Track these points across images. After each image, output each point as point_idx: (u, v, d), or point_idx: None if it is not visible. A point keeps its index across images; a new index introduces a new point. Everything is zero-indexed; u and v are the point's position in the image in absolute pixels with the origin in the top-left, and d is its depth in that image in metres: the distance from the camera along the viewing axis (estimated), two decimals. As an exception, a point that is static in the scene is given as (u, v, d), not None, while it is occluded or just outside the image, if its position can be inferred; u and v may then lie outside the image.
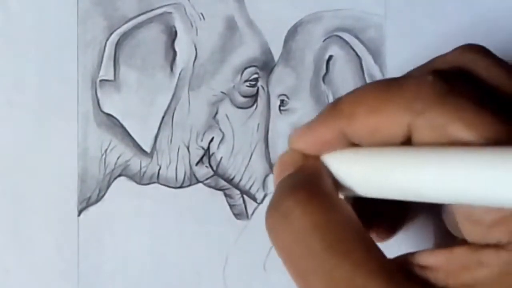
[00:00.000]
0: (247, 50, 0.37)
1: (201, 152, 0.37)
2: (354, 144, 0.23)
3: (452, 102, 0.20)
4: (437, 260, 0.21)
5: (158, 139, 0.36)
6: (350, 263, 0.20)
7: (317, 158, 0.24)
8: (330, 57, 0.37)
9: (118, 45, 0.36)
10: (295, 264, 0.21)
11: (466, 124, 0.20)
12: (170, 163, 0.36)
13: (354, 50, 0.37)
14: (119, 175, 0.37)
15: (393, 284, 0.20)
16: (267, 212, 0.23)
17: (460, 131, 0.20)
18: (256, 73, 0.37)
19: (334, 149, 0.24)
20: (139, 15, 0.36)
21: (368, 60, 0.37)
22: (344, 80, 0.37)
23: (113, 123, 0.36)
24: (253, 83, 0.37)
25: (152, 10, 0.36)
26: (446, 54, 0.25)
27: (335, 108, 0.24)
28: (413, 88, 0.21)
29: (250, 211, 0.37)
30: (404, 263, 0.22)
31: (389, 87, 0.22)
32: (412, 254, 0.23)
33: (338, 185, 0.24)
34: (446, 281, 0.21)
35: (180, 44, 0.36)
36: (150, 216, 0.36)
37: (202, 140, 0.37)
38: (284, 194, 0.23)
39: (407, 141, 0.22)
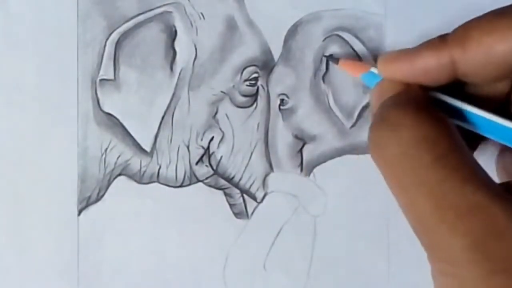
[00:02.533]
0: (247, 50, 0.37)
1: (201, 151, 0.37)
2: (458, 79, 0.23)
3: None
4: None
5: (158, 138, 0.36)
6: (460, 177, 0.19)
7: (416, 86, 0.24)
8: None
9: (118, 44, 0.36)
10: (400, 177, 0.21)
11: None
12: (170, 162, 0.36)
13: (354, 50, 0.37)
14: (119, 175, 0.37)
15: (502, 198, 0.19)
16: (373, 126, 0.23)
17: None
18: (256, 72, 0.37)
19: (436, 79, 0.23)
20: (139, 14, 0.36)
21: (368, 59, 0.37)
22: (344, 79, 0.37)
23: (113, 123, 0.36)
24: (253, 82, 0.37)
25: (152, 9, 0.36)
26: None
27: (444, 38, 0.23)
28: None
29: (250, 210, 0.37)
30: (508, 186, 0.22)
31: (502, 10, 0.22)
32: None
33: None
34: None
35: (180, 44, 0.36)
36: (150, 216, 0.36)
37: (202, 140, 0.37)
38: (392, 108, 0.22)
39: None
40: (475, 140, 0.26)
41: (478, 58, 0.22)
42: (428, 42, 0.24)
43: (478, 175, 0.20)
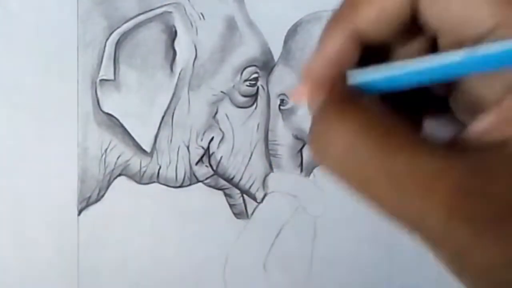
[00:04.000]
0: (247, 50, 0.37)
1: (201, 151, 0.37)
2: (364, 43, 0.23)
3: None
4: (490, 121, 0.21)
5: (158, 138, 0.36)
6: (407, 151, 0.20)
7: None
8: (330, 56, 0.37)
9: (118, 44, 0.36)
10: (354, 175, 0.21)
11: None
12: (170, 162, 0.36)
13: (354, 50, 0.37)
14: (119, 175, 0.37)
15: (454, 155, 0.19)
16: (309, 140, 0.23)
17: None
18: (256, 72, 0.37)
19: (349, 55, 0.23)
20: (139, 14, 0.36)
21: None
22: (344, 79, 0.37)
23: (113, 123, 0.36)
24: (253, 82, 0.37)
25: (152, 9, 0.36)
26: None
27: (333, 17, 0.23)
28: None
29: (250, 211, 0.37)
30: (455, 141, 0.22)
31: None
32: (460, 133, 0.23)
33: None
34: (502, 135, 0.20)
35: (180, 44, 0.36)
36: (150, 216, 0.36)
37: (202, 140, 0.37)
38: (318, 117, 0.22)
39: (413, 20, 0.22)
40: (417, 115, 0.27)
41: (373, 18, 0.22)
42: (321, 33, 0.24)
43: (420, 142, 0.20)
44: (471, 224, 0.18)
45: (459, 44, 0.20)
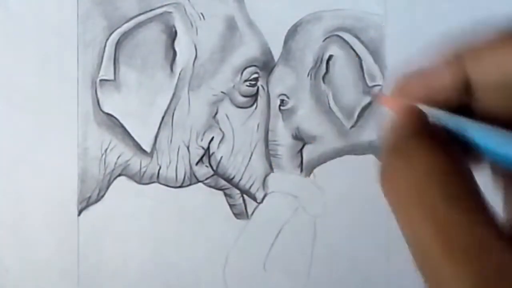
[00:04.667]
0: (247, 50, 0.37)
1: (201, 151, 0.37)
2: (469, 93, 0.23)
3: None
4: None
5: (158, 139, 0.36)
6: (472, 219, 0.19)
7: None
8: (330, 57, 0.37)
9: (118, 45, 0.36)
10: (408, 210, 0.20)
11: None
12: (170, 162, 0.36)
13: (354, 50, 0.37)
14: (119, 175, 0.37)
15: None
16: (384, 153, 0.23)
17: None
18: (256, 72, 0.37)
19: (448, 95, 0.23)
20: (139, 14, 0.36)
21: (368, 60, 0.37)
22: (344, 79, 0.37)
23: (113, 123, 0.36)
24: (253, 82, 0.37)
25: (152, 10, 0.36)
26: None
27: (451, 54, 0.23)
28: None
29: (250, 211, 0.37)
30: None
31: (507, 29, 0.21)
32: None
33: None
34: None
35: (180, 44, 0.36)
36: (150, 216, 0.36)
37: (202, 140, 0.37)
38: (406, 136, 0.22)
39: None
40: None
41: (492, 66, 0.22)
42: (440, 60, 0.24)
43: (489, 218, 0.20)
44: None
45: None
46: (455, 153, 0.22)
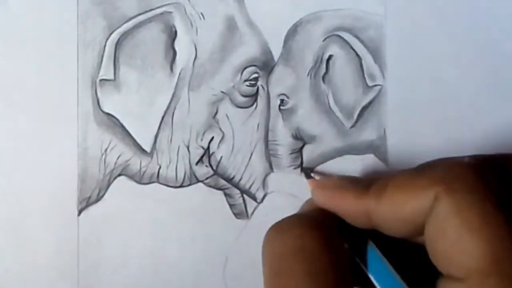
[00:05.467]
0: (247, 50, 0.37)
1: (201, 151, 0.37)
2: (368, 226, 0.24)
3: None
4: None
5: (158, 138, 0.36)
6: None
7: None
8: (330, 56, 0.37)
9: (118, 44, 0.36)
10: (272, 278, 0.22)
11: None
12: (170, 162, 0.36)
13: (354, 50, 0.37)
14: (119, 175, 0.37)
15: None
16: (272, 227, 0.24)
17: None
18: (256, 72, 0.37)
19: (356, 223, 0.25)
20: (139, 14, 0.36)
21: (368, 59, 0.37)
22: (344, 79, 0.37)
23: (113, 123, 0.36)
24: (253, 82, 0.37)
25: (152, 9, 0.36)
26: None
27: (367, 187, 0.25)
28: (446, 165, 0.22)
29: (250, 211, 0.37)
30: None
31: (423, 168, 0.23)
32: None
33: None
34: None
35: (180, 44, 0.36)
36: (150, 216, 0.36)
37: (202, 140, 0.37)
38: (294, 214, 0.24)
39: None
40: None
41: (388, 214, 0.23)
42: (355, 185, 0.26)
43: None
44: None
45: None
46: (336, 243, 0.23)
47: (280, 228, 0.24)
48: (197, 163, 0.37)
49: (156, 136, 0.36)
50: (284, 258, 0.22)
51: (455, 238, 0.20)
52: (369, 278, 0.25)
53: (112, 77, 0.36)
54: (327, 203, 0.27)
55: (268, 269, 0.23)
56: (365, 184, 0.26)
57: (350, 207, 0.25)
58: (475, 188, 0.21)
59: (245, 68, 0.37)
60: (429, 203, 0.21)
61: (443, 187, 0.21)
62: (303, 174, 0.37)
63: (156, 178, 0.37)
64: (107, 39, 0.36)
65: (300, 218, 0.25)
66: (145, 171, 0.37)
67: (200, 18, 0.37)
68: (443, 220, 0.20)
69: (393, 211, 0.23)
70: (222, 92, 0.37)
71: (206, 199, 0.37)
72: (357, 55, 0.37)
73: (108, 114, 0.36)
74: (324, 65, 0.37)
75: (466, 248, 0.20)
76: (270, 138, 0.37)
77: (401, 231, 0.23)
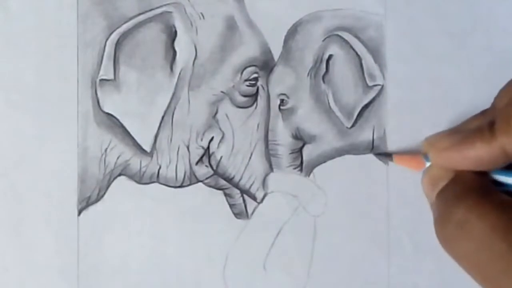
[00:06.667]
0: (247, 50, 0.37)
1: (201, 151, 0.37)
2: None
3: None
4: None
5: (158, 138, 0.36)
6: None
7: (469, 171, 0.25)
8: (330, 56, 0.37)
9: (118, 44, 0.36)
10: (482, 270, 0.21)
11: None
12: (170, 162, 0.36)
13: (354, 50, 0.37)
14: (119, 175, 0.37)
15: None
16: (438, 225, 0.23)
17: None
18: (256, 72, 0.37)
19: (491, 167, 0.24)
20: (139, 14, 0.36)
21: (368, 59, 0.37)
22: (344, 79, 0.37)
23: (113, 123, 0.36)
24: (253, 82, 0.37)
25: (152, 9, 0.36)
26: None
27: (492, 128, 0.24)
28: None
29: (250, 211, 0.37)
30: None
31: None
32: None
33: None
34: None
35: (180, 44, 0.36)
36: (150, 216, 0.36)
37: (202, 140, 0.37)
38: (452, 204, 0.23)
39: None
40: None
41: None
42: (476, 131, 0.25)
43: None
44: None
45: None
46: (504, 201, 0.22)
47: (453, 222, 0.22)
48: (197, 163, 0.37)
49: (156, 136, 0.36)
50: (481, 249, 0.21)
51: None
52: None
53: (112, 77, 0.36)
54: (458, 161, 0.25)
55: (469, 266, 0.22)
56: (480, 128, 0.25)
57: (484, 153, 0.24)
58: None
59: (245, 68, 0.37)
60: None
61: None
62: (303, 174, 0.37)
63: (156, 178, 0.37)
64: (107, 39, 0.36)
65: (460, 199, 0.23)
66: (145, 171, 0.37)
67: (200, 18, 0.37)
68: None
69: None
70: (222, 92, 0.37)
71: (206, 199, 0.37)
72: (357, 55, 0.37)
73: (108, 114, 0.36)
74: (324, 65, 0.37)
75: None
76: (270, 138, 0.37)
77: None
